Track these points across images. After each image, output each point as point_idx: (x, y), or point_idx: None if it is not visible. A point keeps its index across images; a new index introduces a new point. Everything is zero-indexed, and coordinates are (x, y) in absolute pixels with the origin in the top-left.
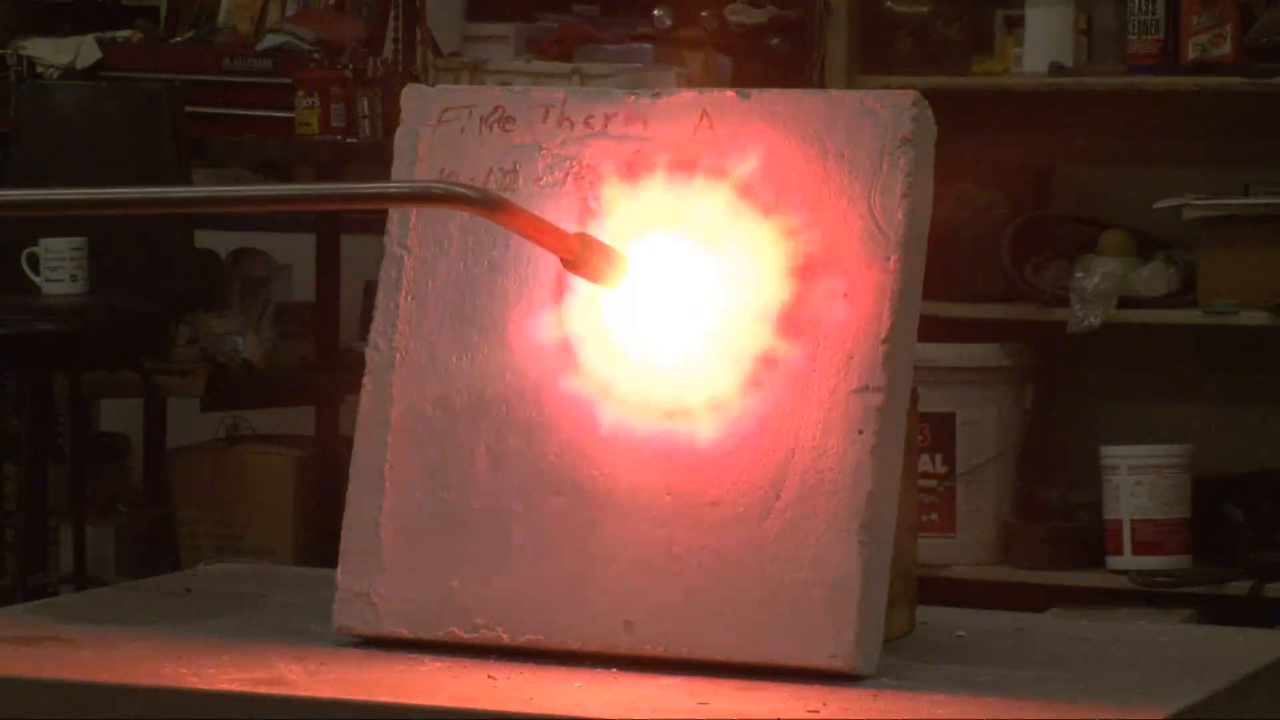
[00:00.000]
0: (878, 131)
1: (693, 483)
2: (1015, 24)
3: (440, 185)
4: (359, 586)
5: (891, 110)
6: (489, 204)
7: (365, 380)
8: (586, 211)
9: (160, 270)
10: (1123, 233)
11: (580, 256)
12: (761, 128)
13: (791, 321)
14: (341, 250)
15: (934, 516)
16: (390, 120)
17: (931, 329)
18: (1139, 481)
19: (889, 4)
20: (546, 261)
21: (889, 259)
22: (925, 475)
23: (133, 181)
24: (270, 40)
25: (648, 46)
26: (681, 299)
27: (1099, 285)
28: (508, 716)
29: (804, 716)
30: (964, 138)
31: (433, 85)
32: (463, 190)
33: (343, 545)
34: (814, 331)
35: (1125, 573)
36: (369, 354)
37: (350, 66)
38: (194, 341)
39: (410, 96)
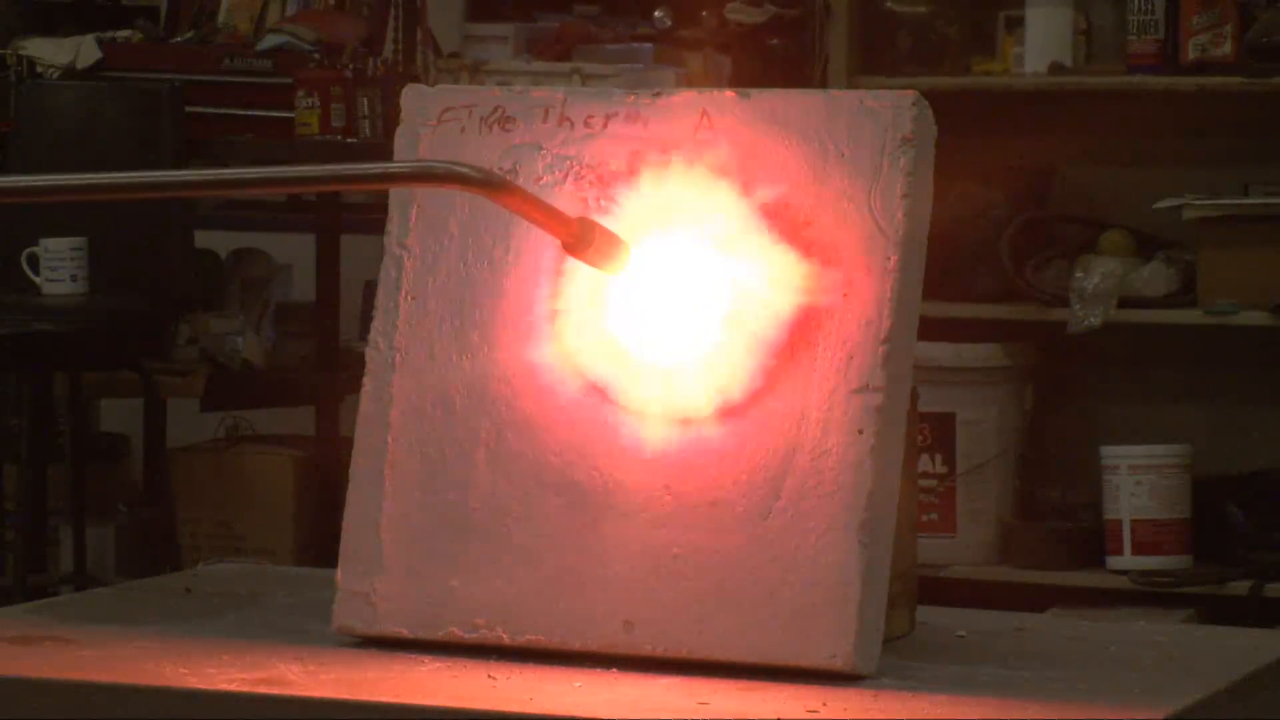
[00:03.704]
0: (878, 131)
1: (693, 482)
2: (1015, 24)
3: (442, 165)
4: (359, 586)
5: (891, 110)
6: (490, 184)
7: (365, 380)
8: (586, 211)
9: (160, 270)
10: (1123, 233)
11: (582, 240)
12: (761, 127)
13: (791, 322)
14: (341, 250)
15: (934, 516)
16: (390, 120)
17: (931, 329)
18: (1139, 481)
19: (889, 4)
20: (547, 261)
21: (889, 259)
22: (925, 475)
23: None
24: (270, 40)
25: (648, 46)
26: (682, 299)
27: (1099, 285)
28: (508, 716)
29: (804, 716)
30: (964, 138)
31: (433, 85)
32: (464, 170)
33: (343, 545)
34: (814, 332)
35: (1125, 573)
36: (369, 354)
37: (350, 66)
38: (194, 341)
39: (410, 96)
